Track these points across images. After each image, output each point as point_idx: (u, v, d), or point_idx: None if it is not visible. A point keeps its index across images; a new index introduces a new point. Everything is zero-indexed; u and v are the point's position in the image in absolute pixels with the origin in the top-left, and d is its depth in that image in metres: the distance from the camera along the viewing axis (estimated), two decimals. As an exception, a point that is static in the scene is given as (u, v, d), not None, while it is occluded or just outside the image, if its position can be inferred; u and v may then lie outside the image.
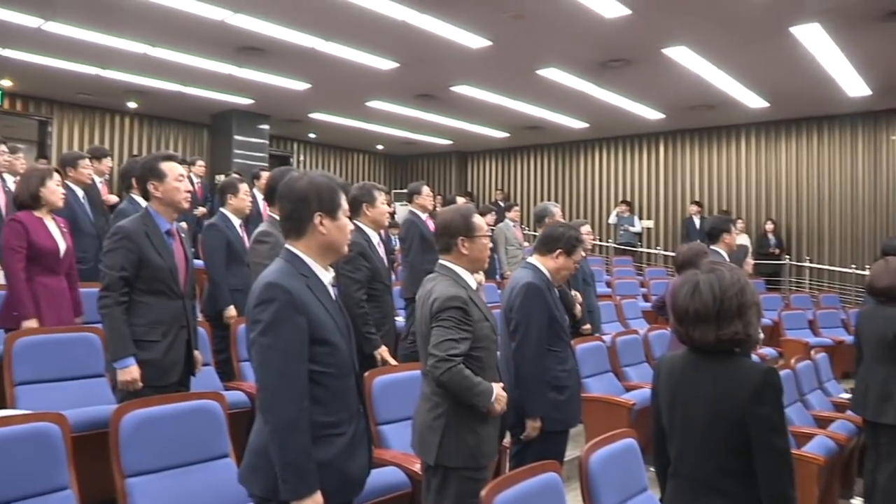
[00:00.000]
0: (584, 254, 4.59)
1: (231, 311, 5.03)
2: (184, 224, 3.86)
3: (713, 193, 14.36)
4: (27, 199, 4.26)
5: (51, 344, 3.93)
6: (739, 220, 12.86)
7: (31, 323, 4.12)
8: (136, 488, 2.86)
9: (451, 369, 2.72)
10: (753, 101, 11.61)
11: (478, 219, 3.02)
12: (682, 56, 9.11)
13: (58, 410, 2.94)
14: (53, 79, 11.26)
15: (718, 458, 2.13)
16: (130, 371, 3.28)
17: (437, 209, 9.47)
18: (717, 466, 2.13)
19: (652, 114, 12.89)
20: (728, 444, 2.10)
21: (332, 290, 2.38)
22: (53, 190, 4.30)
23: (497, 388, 2.84)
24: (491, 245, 3.20)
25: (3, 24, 8.47)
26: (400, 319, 5.87)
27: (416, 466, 3.26)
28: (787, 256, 12.97)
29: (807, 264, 12.96)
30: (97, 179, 6.46)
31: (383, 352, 4.37)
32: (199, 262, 5.83)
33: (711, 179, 14.40)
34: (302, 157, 17.08)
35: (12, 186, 5.58)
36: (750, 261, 5.82)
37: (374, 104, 12.64)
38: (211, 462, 3.11)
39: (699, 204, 13.55)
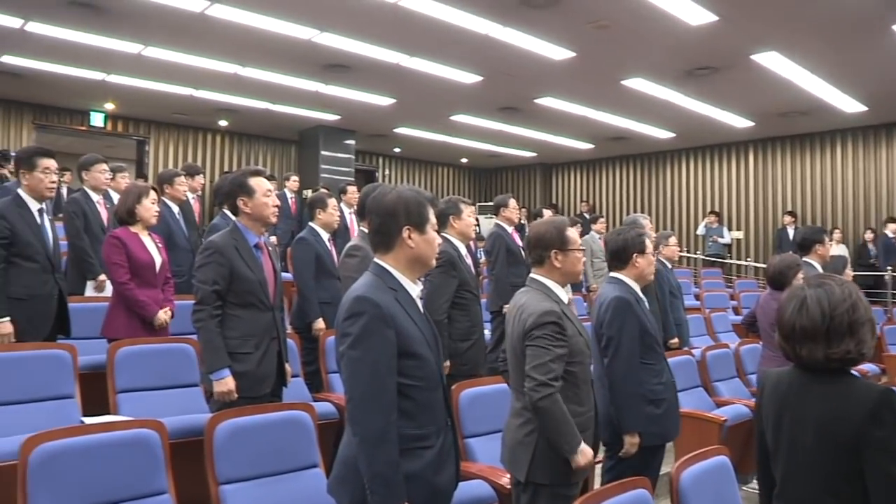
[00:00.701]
0: (654, 249, 4.44)
1: (320, 323, 5.12)
2: (273, 238, 3.95)
3: (807, 203, 13.85)
4: (124, 214, 4.46)
5: (149, 354, 4.09)
6: (836, 231, 12.37)
7: (162, 314, 4.41)
8: (230, 495, 2.94)
9: (551, 395, 2.67)
10: (850, 105, 11.16)
11: (571, 232, 2.97)
12: (773, 61, 8.84)
13: (155, 418, 3.05)
14: (151, 100, 11.77)
15: (828, 483, 2.00)
16: (226, 382, 3.36)
17: (521, 221, 9.43)
18: (827, 491, 2.00)
19: (741, 122, 12.55)
20: (839, 468, 1.97)
21: (420, 304, 2.39)
22: (148, 207, 4.48)
23: (584, 445, 2.77)
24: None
25: (108, 52, 8.98)
26: (486, 332, 5.87)
27: (503, 480, 3.24)
28: (889, 267, 12.38)
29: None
30: (190, 196, 6.70)
31: (446, 366, 4.39)
32: (287, 275, 5.97)
33: (805, 188, 13.90)
34: (387, 172, 17.30)
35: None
36: (849, 272, 5.58)
37: (459, 118, 12.72)
38: (301, 472, 3.16)
39: (793, 214, 13.10)
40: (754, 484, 5.02)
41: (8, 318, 4.06)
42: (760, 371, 5.04)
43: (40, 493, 2.55)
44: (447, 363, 4.45)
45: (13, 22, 8.03)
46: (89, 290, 5.38)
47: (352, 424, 2.21)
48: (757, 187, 14.50)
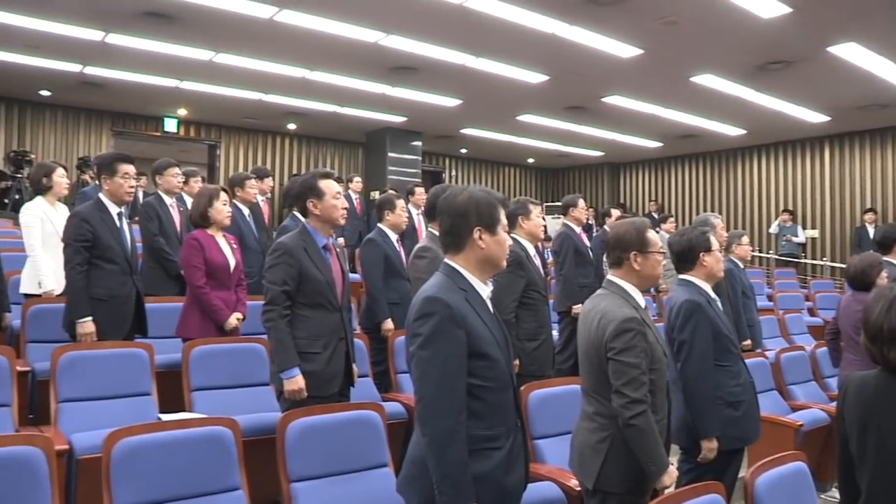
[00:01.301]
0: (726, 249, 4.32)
1: (388, 323, 5.14)
2: (341, 240, 3.99)
3: (888, 199, 13.32)
4: (198, 218, 4.57)
5: (222, 354, 4.20)
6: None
7: (233, 320, 4.48)
8: (301, 493, 2.98)
9: (644, 413, 2.58)
10: (935, 96, 10.69)
11: (652, 234, 2.88)
12: (851, 53, 8.54)
13: (228, 415, 3.12)
14: (222, 105, 12.07)
15: None
16: (296, 381, 3.41)
17: (589, 221, 9.34)
18: None
19: (815, 117, 12.17)
20: None
21: (490, 304, 2.38)
22: (220, 209, 4.57)
23: (672, 466, 2.69)
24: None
25: (181, 59, 9.27)
26: (553, 333, 5.83)
27: (572, 482, 3.21)
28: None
29: None
30: (259, 198, 6.83)
31: (515, 365, 4.39)
32: (355, 276, 6.03)
33: (886, 184, 13.36)
34: (454, 173, 17.34)
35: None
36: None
37: (525, 118, 12.68)
38: (370, 471, 3.20)
39: (874, 211, 12.63)
40: (834, 492, 4.87)
41: (90, 318, 4.20)
42: (842, 375, 4.88)
43: (122, 484, 2.64)
44: (516, 361, 4.43)
45: (95, 35, 8.36)
46: None
47: (421, 424, 2.22)
48: (833, 184, 14.04)
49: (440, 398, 2.17)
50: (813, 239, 14.17)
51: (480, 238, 2.31)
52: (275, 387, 3.62)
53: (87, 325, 4.19)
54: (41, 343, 4.46)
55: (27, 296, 4.94)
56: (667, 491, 2.62)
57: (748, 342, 5.72)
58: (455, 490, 2.14)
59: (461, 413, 2.18)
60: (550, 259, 7.74)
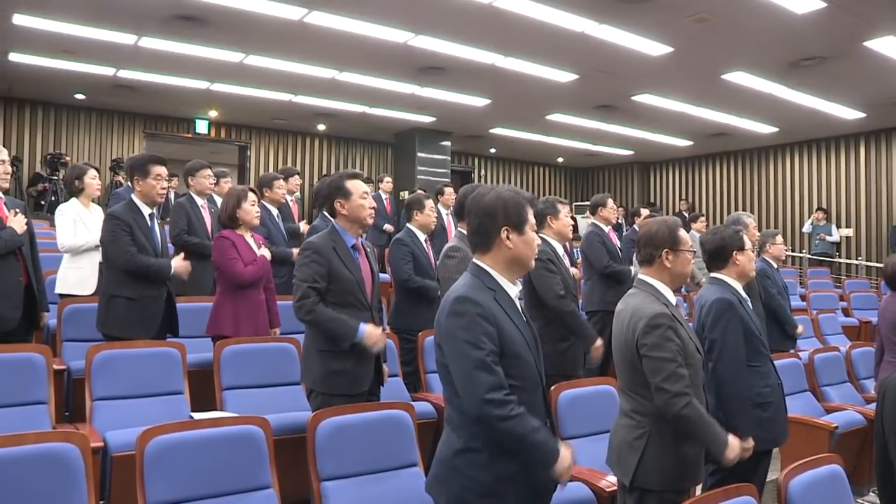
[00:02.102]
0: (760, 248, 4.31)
1: (417, 324, 5.14)
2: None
3: (927, 197, 13.08)
4: (226, 219, 4.60)
5: (253, 353, 4.23)
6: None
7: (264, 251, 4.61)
8: (331, 492, 2.99)
9: (689, 404, 2.61)
10: (976, 89, 10.44)
11: (683, 233, 2.91)
12: (889, 47, 8.35)
13: (259, 414, 3.14)
14: (251, 107, 12.17)
15: None
16: (371, 334, 3.43)
17: (619, 221, 9.28)
18: None
19: (850, 113, 11.97)
20: None
21: (518, 304, 2.38)
22: (248, 210, 4.60)
23: (731, 438, 2.71)
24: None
25: (212, 61, 9.38)
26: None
27: (602, 483, 3.20)
28: None
29: None
30: (288, 197, 6.87)
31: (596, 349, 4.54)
32: (385, 276, 6.03)
33: (924, 182, 13.12)
34: (483, 172, 17.32)
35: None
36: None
37: (555, 117, 12.63)
38: (400, 470, 3.20)
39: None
40: (871, 497, 4.79)
41: (173, 264, 4.43)
42: (880, 378, 4.80)
43: (155, 481, 2.68)
44: None
45: (128, 39, 8.49)
46: None
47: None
48: (868, 182, 13.78)
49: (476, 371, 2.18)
50: (847, 238, 13.95)
51: (508, 238, 2.31)
52: (305, 386, 3.63)
53: (179, 266, 4.45)
54: (76, 342, 4.54)
55: (62, 296, 5.02)
56: (697, 490, 2.60)
57: (801, 329, 5.87)
58: (539, 454, 2.21)
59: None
60: (579, 258, 7.71)
